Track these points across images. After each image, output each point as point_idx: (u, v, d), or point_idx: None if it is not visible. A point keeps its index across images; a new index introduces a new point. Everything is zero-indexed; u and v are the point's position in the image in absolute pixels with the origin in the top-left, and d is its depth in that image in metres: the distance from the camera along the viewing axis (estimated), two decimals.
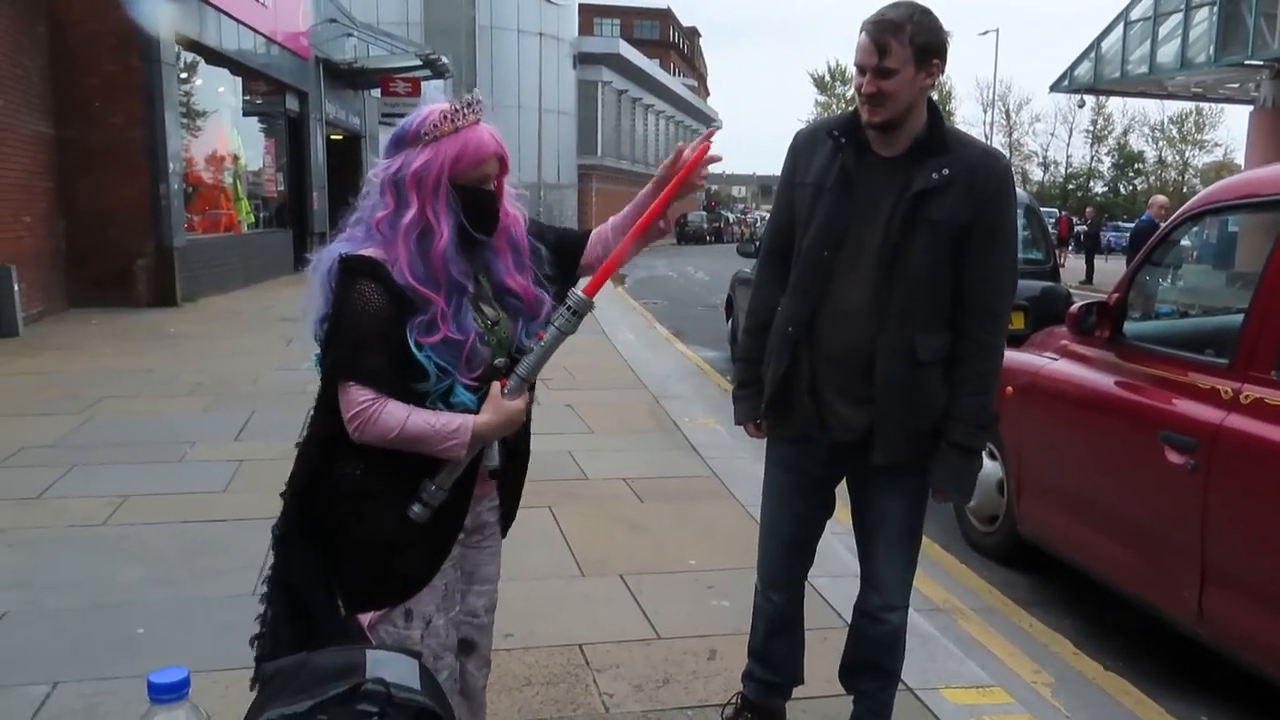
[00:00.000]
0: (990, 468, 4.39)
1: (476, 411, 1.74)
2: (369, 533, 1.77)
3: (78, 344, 9.28)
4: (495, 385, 1.77)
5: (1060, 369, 3.90)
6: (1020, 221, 7.61)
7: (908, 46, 2.14)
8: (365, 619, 1.80)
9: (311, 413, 1.84)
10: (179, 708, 1.28)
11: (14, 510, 4.45)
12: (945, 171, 2.21)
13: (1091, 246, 24.30)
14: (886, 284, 2.24)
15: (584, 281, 1.94)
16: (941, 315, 2.27)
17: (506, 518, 2.05)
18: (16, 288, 9.37)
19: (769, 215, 2.59)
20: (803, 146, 2.43)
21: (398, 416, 1.68)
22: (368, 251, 1.72)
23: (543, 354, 1.79)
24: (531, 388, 1.85)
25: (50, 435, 5.78)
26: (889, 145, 2.27)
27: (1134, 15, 22.56)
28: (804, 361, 2.35)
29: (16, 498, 4.62)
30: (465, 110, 1.73)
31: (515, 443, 1.92)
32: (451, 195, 1.73)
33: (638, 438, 6.12)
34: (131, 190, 11.56)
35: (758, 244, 9.66)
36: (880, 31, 2.15)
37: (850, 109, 2.35)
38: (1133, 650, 3.61)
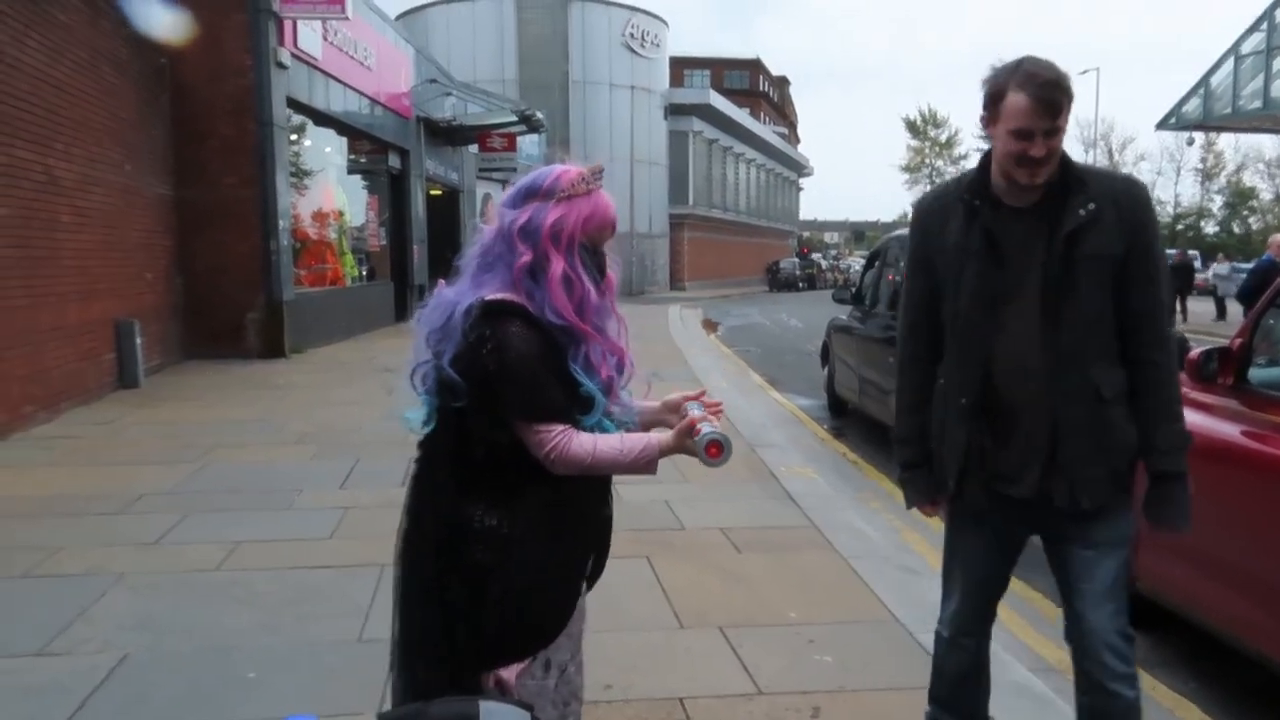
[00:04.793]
0: None
1: None
2: (522, 581, 1.78)
3: (193, 395, 9.71)
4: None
5: None
6: None
7: (1070, 101, 2.13)
8: (509, 673, 1.80)
9: (423, 455, 1.88)
10: None
11: (134, 555, 4.64)
12: (1091, 207, 2.19)
13: (1182, 287, 23.14)
14: (1054, 330, 2.22)
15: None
16: (1111, 350, 2.25)
17: (597, 565, 2.07)
18: (138, 341, 9.86)
19: (904, 289, 2.52)
20: (929, 215, 2.42)
21: (586, 446, 1.77)
22: (505, 296, 1.77)
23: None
24: None
25: (168, 483, 6.02)
26: (1023, 196, 2.25)
27: (1245, 49, 21.86)
28: (985, 428, 2.31)
29: (137, 543, 4.82)
30: (598, 175, 1.85)
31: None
32: (584, 253, 1.82)
33: (734, 487, 6.05)
34: (244, 247, 12.12)
35: (853, 290, 9.57)
36: (1052, 92, 2.11)
37: (972, 171, 2.36)
38: (1264, 715, 3.38)
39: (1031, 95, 2.11)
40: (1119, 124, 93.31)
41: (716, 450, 1.76)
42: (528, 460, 1.78)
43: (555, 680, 1.86)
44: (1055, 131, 2.13)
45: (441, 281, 1.91)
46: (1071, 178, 2.23)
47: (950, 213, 2.35)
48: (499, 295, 1.77)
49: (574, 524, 1.88)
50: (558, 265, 1.77)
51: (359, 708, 3.03)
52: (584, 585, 1.95)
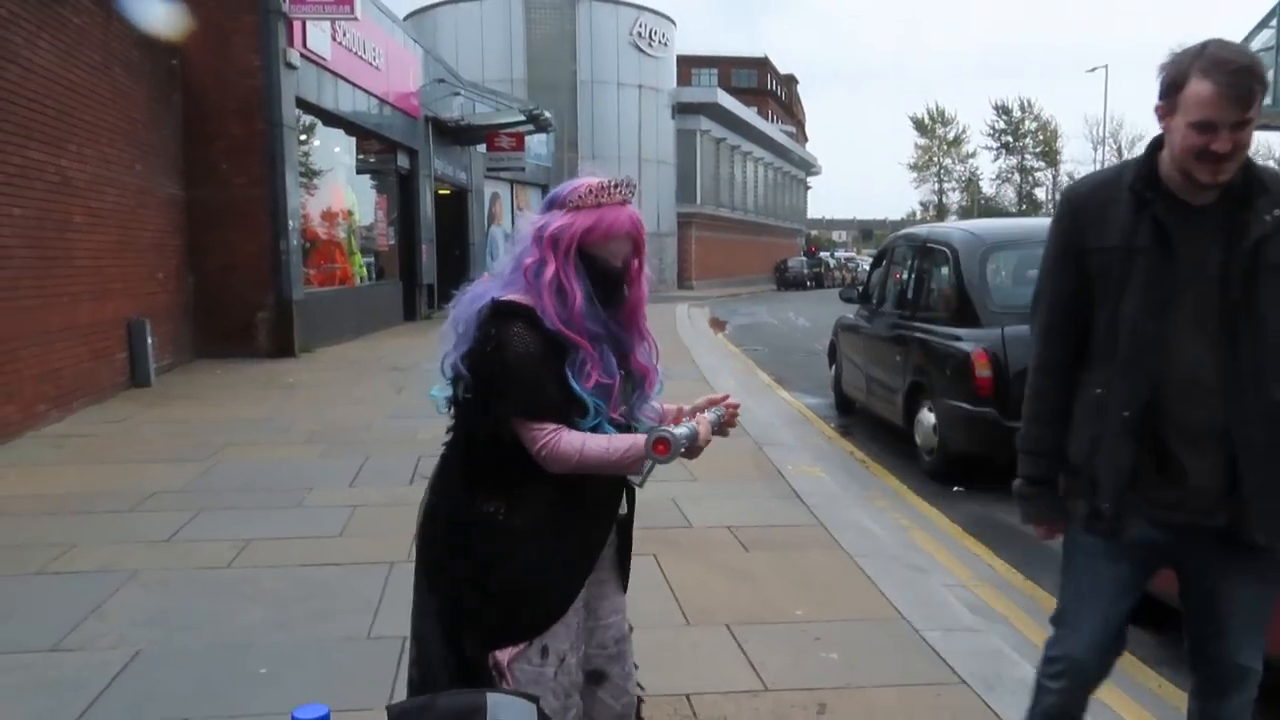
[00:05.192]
0: None
1: None
2: (520, 570, 1.87)
3: (204, 393, 9.77)
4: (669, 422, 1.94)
5: None
6: None
7: (1264, 90, 1.94)
8: (503, 655, 1.86)
9: (445, 450, 1.97)
10: None
11: (147, 552, 4.68)
12: (1277, 213, 2.01)
13: None
14: (1232, 345, 2.02)
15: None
16: None
17: (623, 553, 2.15)
18: (150, 340, 9.93)
19: (1040, 285, 2.30)
20: (1088, 205, 2.17)
21: (574, 444, 1.83)
22: (516, 297, 1.87)
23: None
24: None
25: (179, 480, 6.07)
26: (1200, 194, 2.03)
27: (1255, 45, 21.73)
28: (1148, 447, 2.09)
29: (149, 540, 4.86)
30: (611, 189, 1.88)
31: (632, 492, 2.08)
32: (579, 262, 1.87)
33: (741, 485, 6.07)
34: (253, 247, 12.18)
35: (860, 289, 9.58)
36: (1242, 81, 1.90)
37: (1139, 158, 2.14)
38: (1274, 715, 3.38)
39: (1219, 84, 1.89)
40: (1128, 121, 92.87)
41: (664, 448, 1.81)
42: (531, 458, 1.85)
43: (555, 669, 1.91)
44: (1244, 124, 1.91)
45: (485, 275, 2.01)
46: (1252, 177, 2.02)
47: (1112, 203, 2.11)
48: (511, 296, 1.86)
49: (579, 522, 1.94)
50: (550, 270, 1.84)
51: (368, 703, 3.06)
52: (589, 573, 1.99)
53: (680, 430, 1.86)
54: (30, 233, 7.77)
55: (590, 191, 1.88)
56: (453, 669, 1.83)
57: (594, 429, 1.87)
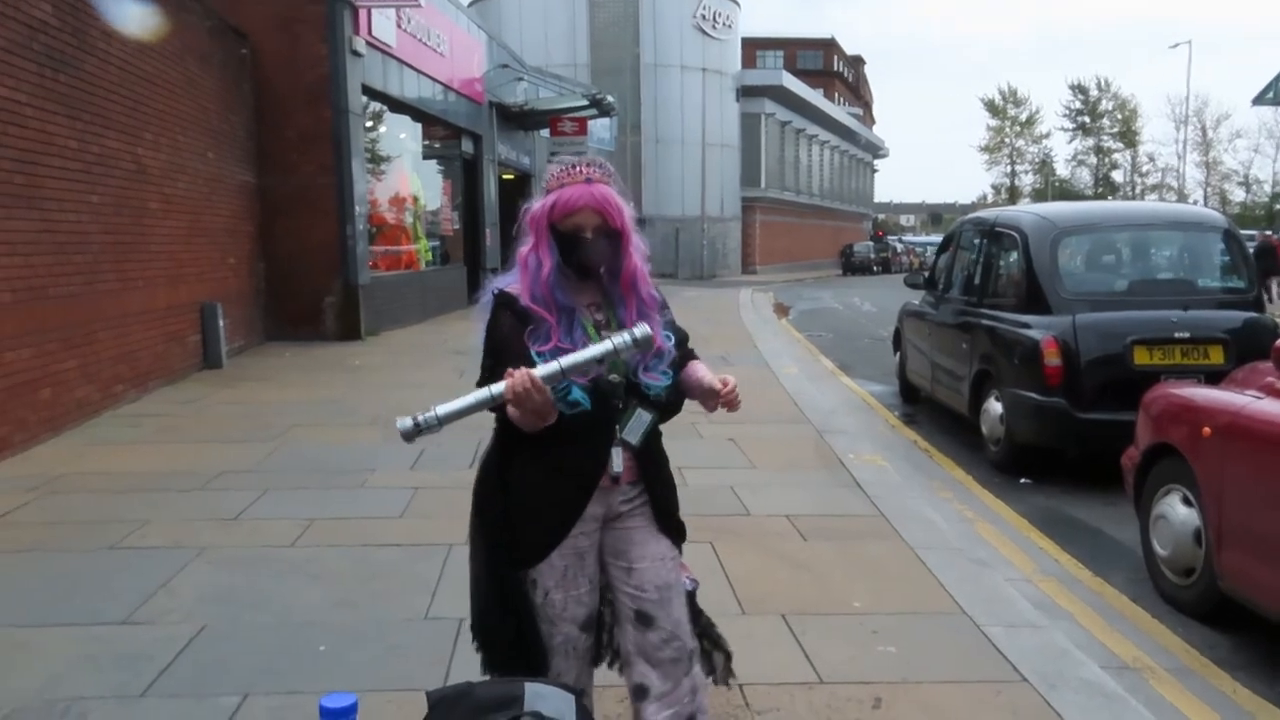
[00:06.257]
0: (1186, 515, 4.06)
1: (591, 408, 2.09)
2: (515, 512, 2.18)
3: (272, 376, 10.00)
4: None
5: (1267, 409, 3.57)
6: (1218, 247, 7.08)
7: None
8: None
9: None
10: None
11: (215, 530, 4.81)
12: None
13: (1268, 269, 22.13)
14: None
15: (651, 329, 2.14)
16: None
17: (655, 505, 2.29)
18: (222, 324, 10.18)
19: None
20: None
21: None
22: (510, 286, 2.17)
23: (586, 354, 2.01)
24: (667, 407, 2.26)
25: (248, 461, 6.22)
26: None
27: None
28: None
29: (217, 518, 4.99)
30: (571, 170, 2.16)
31: (642, 450, 2.22)
32: (550, 236, 2.14)
33: (801, 474, 6.01)
34: (322, 232, 12.40)
35: (926, 274, 9.38)
36: None
37: None
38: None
39: None
40: (1215, 100, 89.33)
41: (407, 431, 1.96)
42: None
43: (541, 600, 2.19)
44: None
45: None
46: None
47: None
48: (508, 285, 2.19)
49: (550, 477, 2.16)
50: (527, 248, 2.16)
51: (424, 683, 3.08)
52: (570, 527, 2.17)
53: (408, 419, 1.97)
54: (108, 219, 8.00)
55: (554, 176, 2.17)
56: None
57: (565, 392, 2.05)
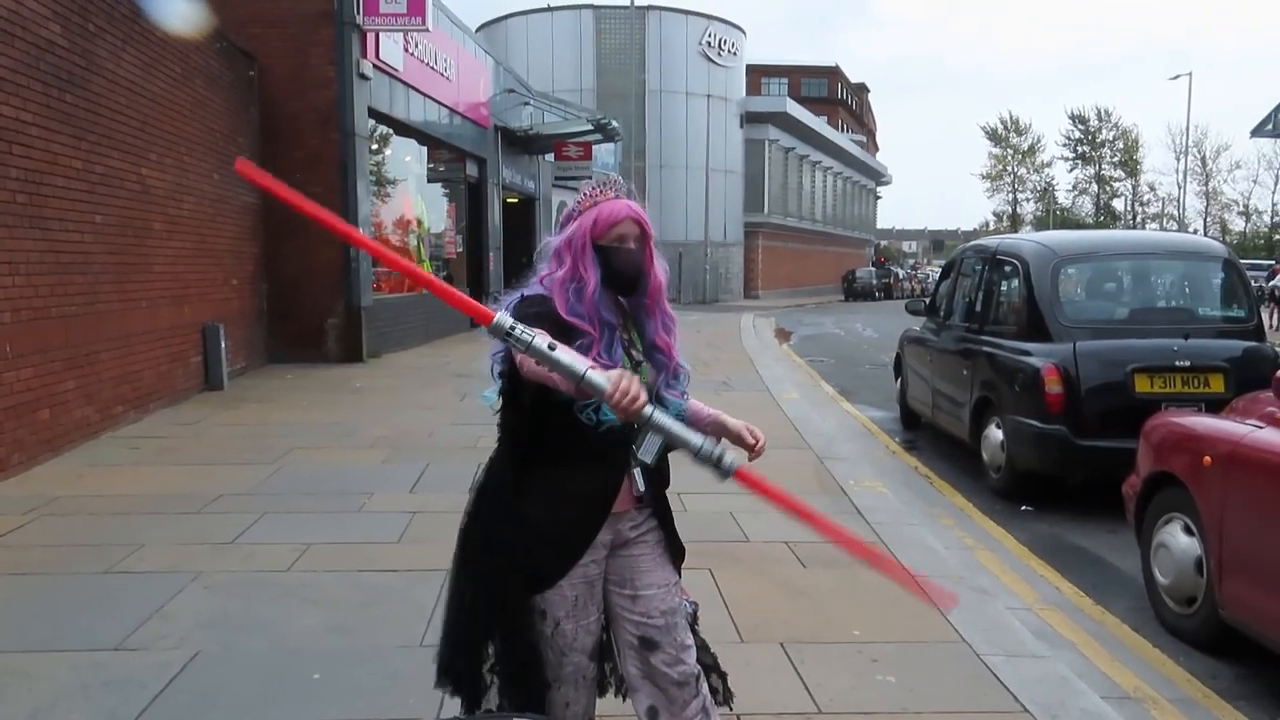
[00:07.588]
0: (1187, 544, 4.04)
1: (621, 431, 2.06)
2: (516, 537, 2.12)
3: (274, 397, 9.99)
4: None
5: (1268, 438, 3.56)
6: (1219, 276, 7.08)
7: None
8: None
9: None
10: None
11: (211, 554, 4.78)
12: None
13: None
14: None
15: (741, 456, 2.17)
16: None
17: (663, 528, 2.30)
18: (224, 345, 10.19)
19: None
20: None
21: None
22: (539, 294, 2.14)
23: (686, 434, 1.96)
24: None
25: (246, 483, 6.20)
26: None
27: None
28: None
29: (214, 542, 4.97)
30: (602, 189, 2.19)
31: (656, 473, 2.22)
32: (594, 253, 2.13)
33: (801, 500, 5.97)
34: (325, 254, 12.43)
35: (927, 301, 9.38)
36: None
37: None
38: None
39: None
40: (1214, 131, 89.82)
41: (500, 327, 1.84)
42: (530, 445, 2.13)
43: (551, 631, 2.16)
44: None
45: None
46: None
47: None
48: (535, 293, 2.15)
49: (560, 501, 2.13)
50: (564, 271, 2.12)
51: (420, 711, 3.07)
52: (582, 552, 2.14)
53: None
54: (111, 239, 8.03)
55: (587, 195, 2.20)
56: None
57: (598, 409, 2.04)
